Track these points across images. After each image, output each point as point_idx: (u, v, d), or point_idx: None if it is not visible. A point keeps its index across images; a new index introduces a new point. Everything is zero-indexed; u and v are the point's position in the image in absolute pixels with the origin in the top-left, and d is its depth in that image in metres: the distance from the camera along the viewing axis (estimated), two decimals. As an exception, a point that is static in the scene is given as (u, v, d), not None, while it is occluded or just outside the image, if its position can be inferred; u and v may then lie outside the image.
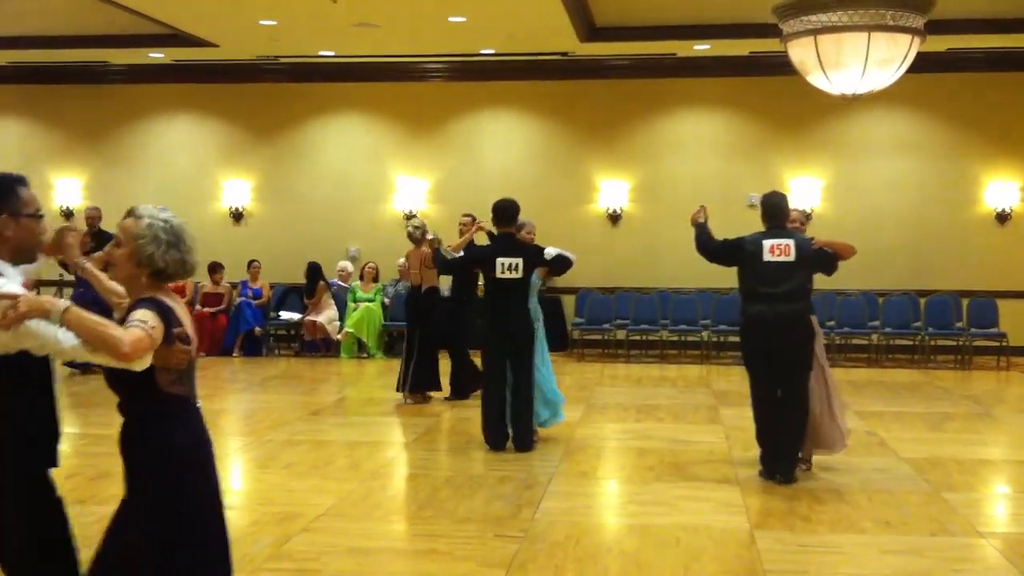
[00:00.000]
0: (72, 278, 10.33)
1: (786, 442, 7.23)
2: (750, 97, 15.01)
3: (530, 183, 14.82)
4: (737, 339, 14.10)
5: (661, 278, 14.95)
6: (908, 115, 14.82)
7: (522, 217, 8.61)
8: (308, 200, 15.85)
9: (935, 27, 8.96)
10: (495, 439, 8.20)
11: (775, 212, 7.41)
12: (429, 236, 10.05)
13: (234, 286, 15.16)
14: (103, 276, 4.20)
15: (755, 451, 7.89)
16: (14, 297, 3.30)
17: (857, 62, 8.19)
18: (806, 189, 14.82)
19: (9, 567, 3.87)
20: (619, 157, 15.30)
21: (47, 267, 4.79)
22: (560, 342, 14.00)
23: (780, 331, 7.18)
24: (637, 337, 14.67)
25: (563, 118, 15.45)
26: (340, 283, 15.10)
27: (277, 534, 5.89)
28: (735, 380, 12.44)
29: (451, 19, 12.53)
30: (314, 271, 14.77)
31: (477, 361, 9.35)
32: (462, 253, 9.15)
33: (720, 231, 7.68)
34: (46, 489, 3.93)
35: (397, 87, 15.71)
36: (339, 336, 14.53)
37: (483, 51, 14.59)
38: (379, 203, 15.79)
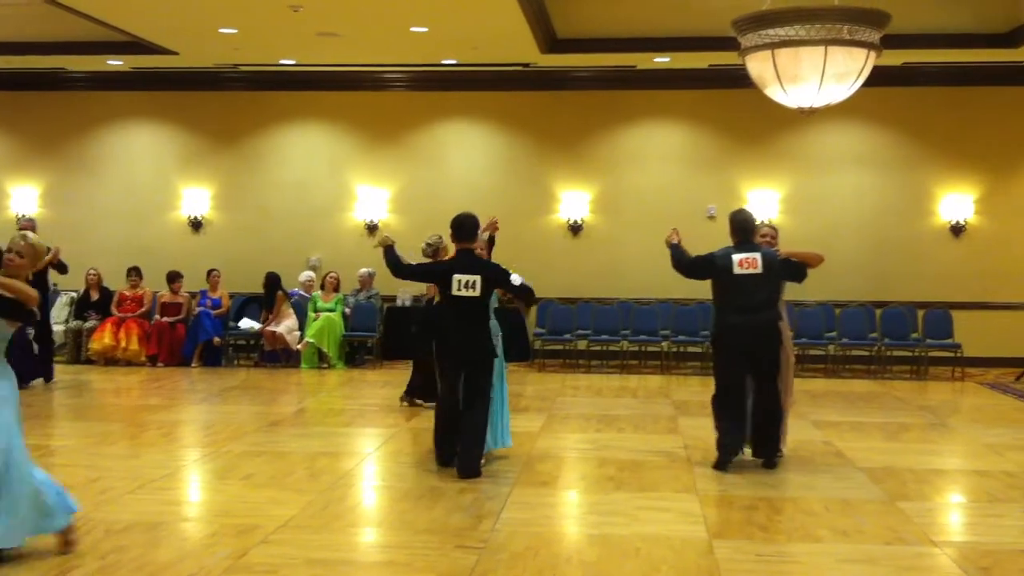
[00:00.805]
0: None
1: (767, 429, 7.91)
2: (710, 109, 15.14)
3: (491, 193, 14.86)
4: (697, 350, 14.29)
5: (622, 289, 15.03)
6: (865, 129, 15.01)
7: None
8: (268, 209, 15.78)
9: (891, 42, 9.08)
10: (444, 456, 7.85)
11: (742, 227, 7.93)
12: (383, 236, 9.36)
13: (193, 295, 15.04)
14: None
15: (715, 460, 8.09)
16: None
17: (814, 76, 8.27)
18: (765, 201, 14.98)
19: None
20: (580, 168, 15.37)
21: None
22: (524, 354, 14.01)
23: (753, 339, 7.81)
24: (598, 347, 14.72)
25: (525, 129, 15.50)
26: (303, 293, 15.03)
27: (235, 546, 5.85)
28: (695, 390, 12.54)
29: (413, 29, 12.53)
30: (272, 282, 14.68)
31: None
32: (419, 261, 8.81)
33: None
34: None
35: (358, 96, 15.69)
36: (299, 346, 14.45)
37: (445, 61, 14.61)
38: (340, 212, 15.75)
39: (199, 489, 7.62)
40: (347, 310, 14.78)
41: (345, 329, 14.64)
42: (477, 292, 7.66)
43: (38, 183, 16.18)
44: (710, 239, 8.09)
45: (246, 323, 14.80)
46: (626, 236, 15.05)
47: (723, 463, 7.88)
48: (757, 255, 7.81)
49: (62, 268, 12.31)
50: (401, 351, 13.88)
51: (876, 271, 14.90)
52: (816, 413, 10.77)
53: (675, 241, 8.14)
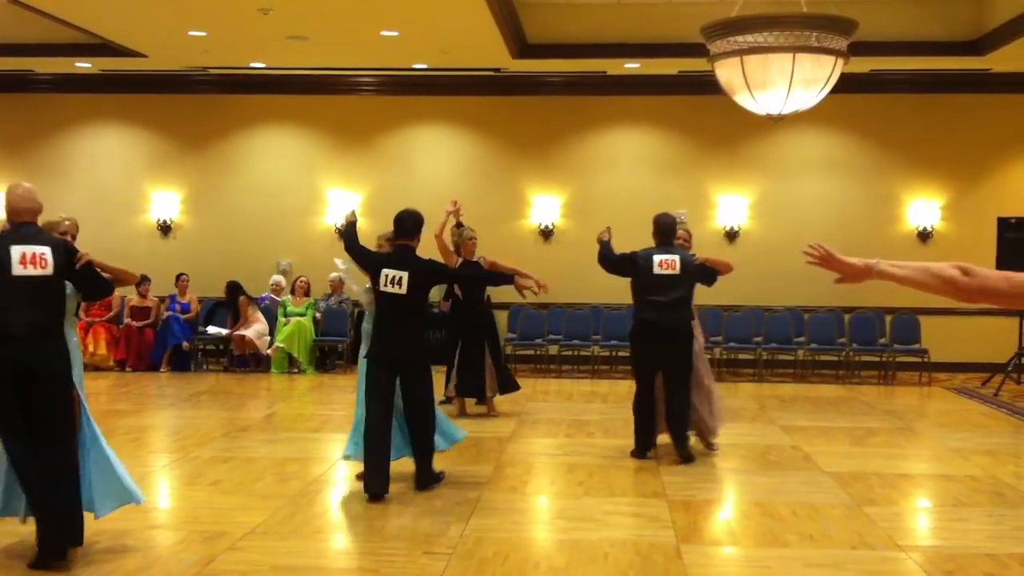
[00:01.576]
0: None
1: (678, 427, 8.39)
2: (680, 115, 15.20)
3: (462, 198, 14.59)
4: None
5: (593, 293, 15.03)
6: (833, 135, 15.12)
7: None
8: (238, 213, 15.70)
9: (858, 49, 9.15)
10: (375, 486, 7.10)
11: (664, 230, 8.54)
12: (352, 212, 8.59)
13: (162, 300, 14.94)
14: None
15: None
16: None
17: (782, 82, 8.32)
18: (733, 206, 15.06)
19: None
20: (551, 173, 15.40)
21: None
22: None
23: (667, 335, 8.33)
24: (569, 352, 14.74)
25: (495, 133, 15.51)
26: (273, 296, 14.95)
27: (203, 552, 5.82)
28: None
29: (383, 33, 12.51)
30: (233, 290, 14.58)
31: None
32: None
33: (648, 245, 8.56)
34: None
35: (329, 100, 15.64)
36: (269, 351, 14.39)
37: (416, 65, 14.60)
38: (310, 216, 15.69)
39: (167, 495, 7.57)
40: (317, 315, 14.73)
41: (315, 334, 14.59)
42: (403, 290, 7.24)
43: (3, 185, 15.97)
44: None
45: (213, 329, 14.71)
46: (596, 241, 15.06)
47: (640, 453, 8.56)
48: (676, 257, 8.42)
49: None
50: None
51: (844, 276, 14.96)
52: (784, 418, 10.84)
53: (606, 238, 8.68)
